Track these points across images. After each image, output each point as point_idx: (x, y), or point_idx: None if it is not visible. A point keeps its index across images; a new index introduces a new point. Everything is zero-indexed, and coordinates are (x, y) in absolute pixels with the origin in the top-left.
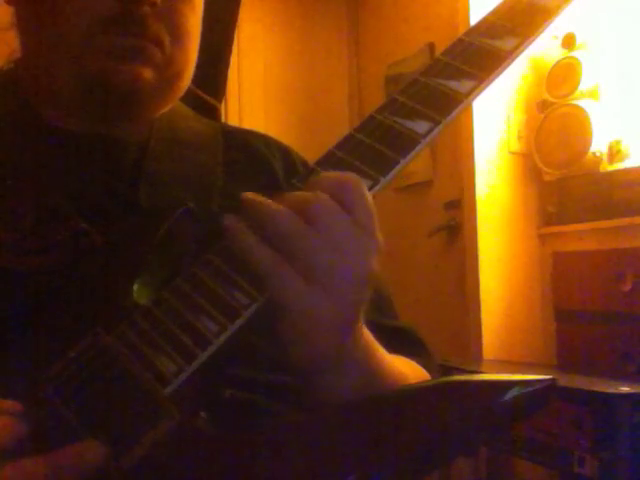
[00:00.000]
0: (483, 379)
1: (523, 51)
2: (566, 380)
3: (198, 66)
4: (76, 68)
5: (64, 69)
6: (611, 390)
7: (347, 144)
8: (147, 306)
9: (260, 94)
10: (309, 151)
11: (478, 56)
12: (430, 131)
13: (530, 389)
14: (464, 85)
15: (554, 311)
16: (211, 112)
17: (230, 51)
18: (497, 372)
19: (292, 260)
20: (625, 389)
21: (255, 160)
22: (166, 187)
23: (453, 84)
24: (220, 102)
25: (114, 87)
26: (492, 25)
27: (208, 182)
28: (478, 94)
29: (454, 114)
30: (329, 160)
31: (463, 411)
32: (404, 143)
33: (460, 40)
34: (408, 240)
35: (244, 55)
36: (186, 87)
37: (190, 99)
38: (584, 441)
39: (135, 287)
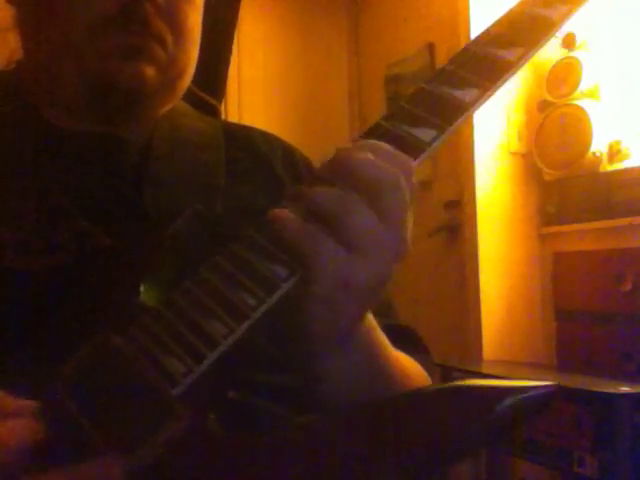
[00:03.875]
0: (484, 384)
1: (527, 61)
2: (566, 380)
3: (198, 66)
4: (78, 68)
5: (66, 69)
6: (611, 390)
7: None
8: (157, 308)
9: (260, 94)
10: (309, 151)
11: (483, 65)
12: (435, 139)
13: (532, 394)
14: (469, 93)
15: (554, 311)
16: (211, 112)
17: (230, 51)
18: (497, 372)
19: (334, 233)
20: (625, 389)
21: (256, 158)
22: (170, 188)
23: (458, 93)
24: (220, 102)
25: (117, 86)
26: (496, 35)
27: (211, 182)
28: (483, 102)
29: (459, 122)
30: None
31: (463, 416)
32: (410, 151)
33: (465, 49)
34: None
35: (244, 55)
36: (187, 87)
37: (190, 99)
38: (584, 441)
39: (143, 289)
